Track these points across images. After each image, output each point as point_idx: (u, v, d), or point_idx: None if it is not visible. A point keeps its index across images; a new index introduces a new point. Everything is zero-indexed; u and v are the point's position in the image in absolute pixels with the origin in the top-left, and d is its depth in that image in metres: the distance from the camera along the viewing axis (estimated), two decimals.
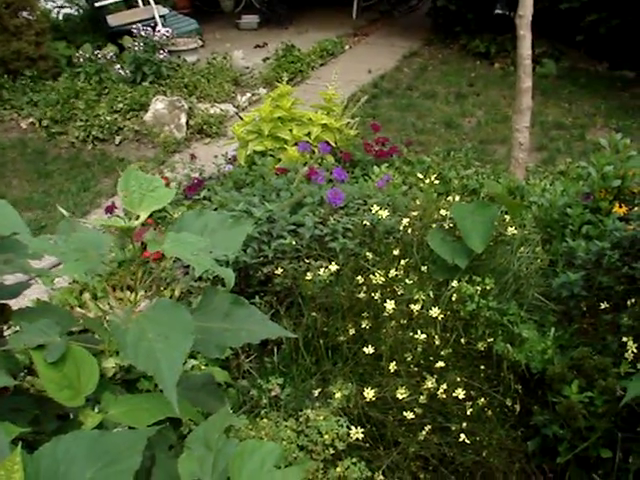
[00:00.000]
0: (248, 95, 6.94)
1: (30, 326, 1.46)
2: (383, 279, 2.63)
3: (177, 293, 2.91)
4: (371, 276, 2.67)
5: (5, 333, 1.69)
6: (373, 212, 2.94)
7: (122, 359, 1.64)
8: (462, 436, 2.31)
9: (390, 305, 2.47)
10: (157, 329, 1.32)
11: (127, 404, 1.48)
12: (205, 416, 1.66)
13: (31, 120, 6.42)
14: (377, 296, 2.59)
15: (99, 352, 1.60)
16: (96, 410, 1.46)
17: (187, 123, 6.11)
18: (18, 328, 1.58)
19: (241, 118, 4.82)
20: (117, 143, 6.05)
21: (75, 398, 1.42)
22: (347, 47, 9.12)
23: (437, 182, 3.70)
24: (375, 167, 4.17)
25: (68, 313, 1.67)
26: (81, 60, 7.00)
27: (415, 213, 3.03)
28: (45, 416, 1.53)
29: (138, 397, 1.58)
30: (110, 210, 4.00)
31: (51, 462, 1.18)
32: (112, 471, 1.19)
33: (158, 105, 6.10)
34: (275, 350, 2.79)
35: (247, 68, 7.47)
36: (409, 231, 2.92)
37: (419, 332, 2.43)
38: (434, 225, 2.92)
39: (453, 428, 2.36)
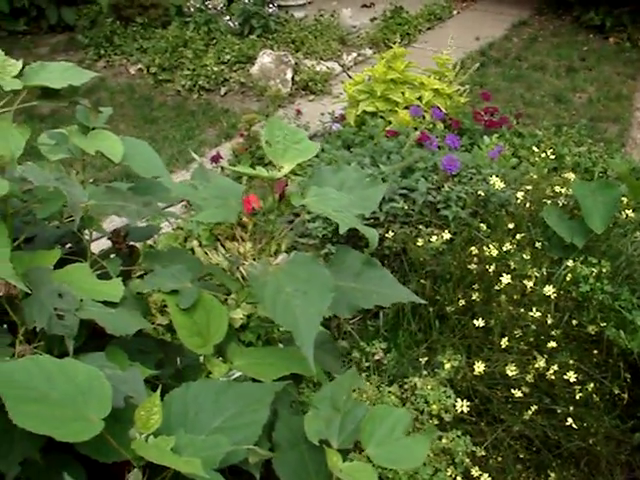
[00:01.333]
0: (354, 55, 6.83)
1: (163, 271, 1.46)
2: (497, 252, 2.57)
3: (283, 248, 2.90)
4: (484, 248, 2.61)
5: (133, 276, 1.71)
6: (490, 183, 2.88)
7: (254, 310, 1.65)
8: (569, 420, 2.24)
9: (506, 279, 2.41)
10: (295, 284, 1.29)
11: (252, 357, 1.46)
12: (327, 375, 1.65)
13: (139, 66, 6.47)
14: (491, 269, 2.54)
15: (225, 301, 1.59)
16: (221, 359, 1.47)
17: (293, 79, 6.04)
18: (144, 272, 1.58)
19: (350, 77, 4.78)
20: (222, 94, 6.04)
21: (204, 346, 1.42)
22: (455, 12, 8.90)
23: (551, 157, 3.61)
24: (485, 137, 4.06)
25: (198, 260, 1.66)
26: (191, 10, 7.01)
27: (528, 187, 2.96)
28: (168, 360, 1.54)
29: (263, 350, 1.57)
30: (216, 160, 4.02)
31: (181, 406, 1.19)
32: (240, 423, 1.19)
33: (265, 59, 6.08)
34: (380, 313, 2.76)
35: (354, 27, 7.34)
36: (523, 205, 2.85)
37: (534, 309, 2.37)
38: (548, 202, 2.84)
39: (559, 411, 2.29)
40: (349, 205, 1.45)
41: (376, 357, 2.51)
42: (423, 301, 1.52)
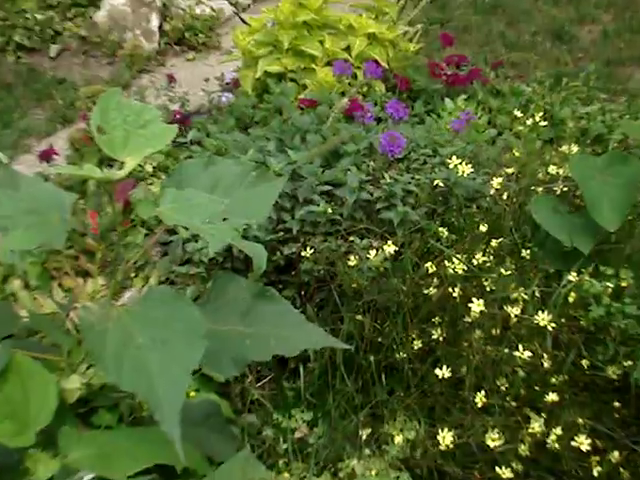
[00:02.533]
0: None
1: None
2: (464, 268, 2.62)
3: (153, 282, 2.92)
4: (446, 263, 2.66)
5: None
6: (449, 167, 2.93)
7: (96, 375, 1.65)
8: None
9: (477, 306, 2.44)
10: (150, 331, 1.32)
11: (98, 444, 1.47)
12: (211, 463, 1.68)
13: None
14: (456, 292, 2.58)
15: (57, 367, 1.60)
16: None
17: (160, 28, 6.05)
18: None
19: (245, 23, 4.77)
20: (53, 55, 5.99)
21: (21, 433, 1.41)
22: None
23: (543, 124, 3.62)
24: (447, 100, 4.13)
25: (8, 307, 1.68)
26: None
27: (510, 170, 3.05)
28: None
29: (115, 433, 1.59)
30: (46, 157, 3.96)
31: None
32: None
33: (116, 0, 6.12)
34: (300, 370, 2.77)
35: None
36: (503, 197, 2.92)
37: (520, 348, 2.39)
38: (540, 189, 2.91)
39: None
40: (226, 212, 1.50)
41: (298, 434, 2.53)
42: (346, 346, 1.58)
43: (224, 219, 1.50)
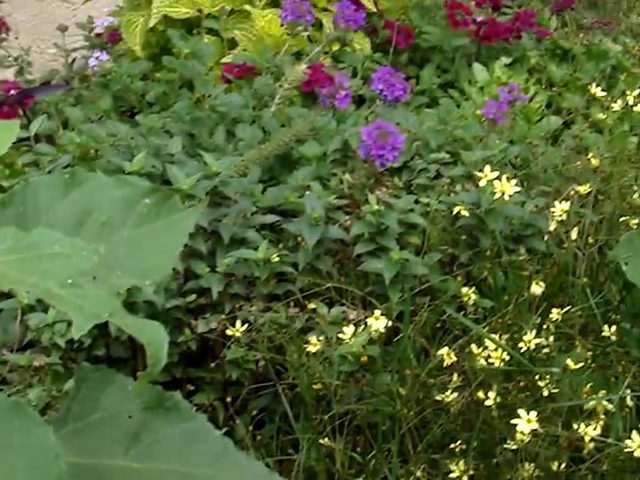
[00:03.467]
0: None
1: None
2: (505, 357, 2.55)
3: None
4: (474, 348, 2.60)
5: None
6: (480, 184, 2.87)
7: None
8: None
9: (527, 423, 2.33)
10: None
11: None
12: None
13: None
14: (491, 399, 2.50)
15: None
16: None
17: None
18: None
19: None
20: None
21: None
22: None
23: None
24: (477, 66, 4.12)
25: None
26: None
27: (584, 189, 3.01)
28: None
29: None
30: None
31: None
32: None
33: None
34: None
35: None
36: (571, 234, 2.89)
37: None
38: (634, 223, 2.89)
39: None
40: (100, 267, 1.41)
41: None
42: None
43: (95, 278, 1.37)
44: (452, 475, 2.52)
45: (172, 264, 1.62)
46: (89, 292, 1.31)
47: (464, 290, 2.82)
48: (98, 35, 4.63)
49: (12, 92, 3.91)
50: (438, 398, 2.60)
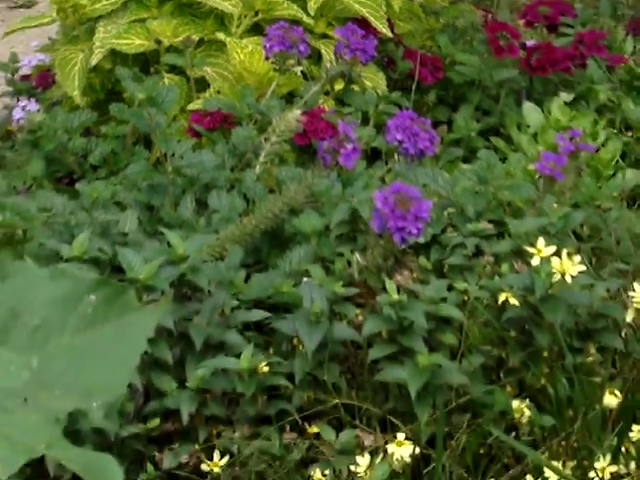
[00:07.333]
0: None
1: None
2: None
3: None
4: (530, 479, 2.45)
5: None
6: (533, 262, 2.63)
7: None
8: None
9: None
10: None
11: None
12: None
13: None
14: None
15: None
16: None
17: None
18: None
19: None
20: None
21: None
22: None
23: None
24: (528, 105, 3.87)
25: None
26: None
27: None
28: None
29: None
30: None
31: None
32: None
33: None
34: None
35: None
36: None
37: None
38: None
39: None
40: (36, 384, 1.18)
41: None
42: None
43: (27, 399, 1.07)
44: None
45: (127, 379, 1.33)
46: (19, 418, 1.11)
47: (515, 404, 2.68)
48: (24, 77, 4.47)
49: None
50: None
